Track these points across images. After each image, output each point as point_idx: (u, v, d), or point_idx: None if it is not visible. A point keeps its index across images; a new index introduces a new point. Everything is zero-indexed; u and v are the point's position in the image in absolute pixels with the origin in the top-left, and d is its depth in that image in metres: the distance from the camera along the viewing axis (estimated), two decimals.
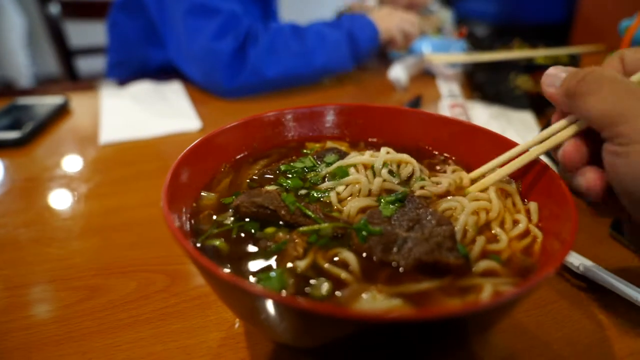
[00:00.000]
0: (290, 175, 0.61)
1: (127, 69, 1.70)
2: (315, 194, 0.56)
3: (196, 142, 0.57)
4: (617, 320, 0.59)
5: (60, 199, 0.87)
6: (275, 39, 1.36)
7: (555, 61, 1.21)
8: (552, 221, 0.52)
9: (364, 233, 0.47)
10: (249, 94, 1.41)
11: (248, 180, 0.60)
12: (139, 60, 1.67)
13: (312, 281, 0.43)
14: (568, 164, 0.51)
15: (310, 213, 0.50)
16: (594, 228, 0.77)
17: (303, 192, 0.57)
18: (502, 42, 1.34)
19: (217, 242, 0.48)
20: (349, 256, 0.46)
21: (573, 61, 1.22)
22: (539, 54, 1.22)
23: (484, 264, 0.46)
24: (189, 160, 0.54)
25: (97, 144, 1.09)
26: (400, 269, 0.45)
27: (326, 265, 0.45)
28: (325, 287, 0.43)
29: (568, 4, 3.87)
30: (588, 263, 0.64)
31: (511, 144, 0.61)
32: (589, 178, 0.49)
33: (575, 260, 0.65)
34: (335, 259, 0.47)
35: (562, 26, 3.93)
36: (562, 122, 0.53)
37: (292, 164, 0.63)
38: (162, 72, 1.62)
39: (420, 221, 0.50)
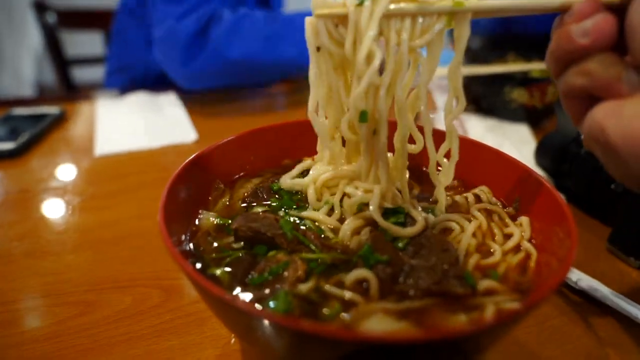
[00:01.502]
0: (278, 196, 0.60)
1: (128, 76, 1.69)
2: (308, 223, 0.55)
3: (190, 158, 0.57)
4: (617, 336, 0.58)
5: (54, 211, 0.86)
6: (241, 20, 1.26)
7: (549, 74, 1.21)
8: (548, 237, 0.52)
9: (370, 261, 0.47)
10: (211, 83, 1.34)
11: (243, 204, 0.59)
12: (141, 66, 1.66)
13: (316, 302, 0.43)
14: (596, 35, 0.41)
15: (307, 242, 0.50)
16: (591, 242, 0.77)
17: (295, 214, 0.56)
18: (497, 55, 1.35)
19: (219, 272, 0.47)
20: (369, 275, 0.45)
21: None
22: (534, 67, 1.23)
23: (485, 284, 0.46)
24: (185, 178, 0.54)
25: (93, 155, 1.08)
26: (408, 296, 0.45)
27: (327, 287, 0.45)
28: (330, 308, 0.42)
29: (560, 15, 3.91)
30: (586, 278, 0.64)
31: (507, 159, 0.62)
32: (596, 21, 0.41)
33: (573, 275, 0.65)
34: (343, 280, 0.46)
35: None
36: None
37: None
38: (164, 79, 1.62)
39: (424, 246, 0.49)
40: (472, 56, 1.32)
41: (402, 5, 0.48)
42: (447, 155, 0.56)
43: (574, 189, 0.87)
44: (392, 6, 0.47)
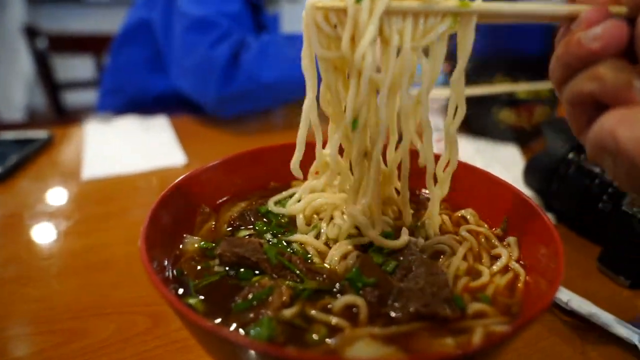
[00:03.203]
0: (266, 220, 0.60)
1: (122, 97, 1.69)
2: (295, 247, 0.54)
3: (174, 183, 0.56)
4: (608, 356, 0.58)
5: (40, 237, 0.85)
6: (267, 44, 1.35)
7: (537, 95, 1.23)
8: (537, 257, 0.52)
9: (358, 284, 0.46)
10: (245, 108, 1.40)
11: (228, 228, 0.59)
12: (137, 88, 1.67)
13: (301, 328, 0.42)
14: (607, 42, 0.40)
15: (292, 267, 0.49)
16: (581, 261, 0.77)
17: (283, 238, 0.56)
18: (485, 77, 1.37)
19: (195, 301, 0.46)
20: (358, 301, 0.45)
21: (553, 96, 1.25)
22: (521, 88, 1.24)
23: (474, 307, 0.46)
24: (169, 202, 0.53)
25: (80, 180, 1.07)
26: (396, 319, 0.44)
27: (313, 312, 0.44)
28: (316, 334, 0.42)
29: (545, 37, 4.00)
30: (577, 298, 0.64)
31: (495, 180, 0.62)
32: (607, 26, 0.40)
33: (564, 295, 0.64)
34: (329, 305, 0.45)
35: (541, 57, 4.04)
36: None
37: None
38: (158, 102, 1.62)
39: (412, 269, 0.49)
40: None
41: (405, 3, 0.46)
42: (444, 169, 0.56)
43: (563, 209, 0.87)
44: (394, 3, 0.45)
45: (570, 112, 0.45)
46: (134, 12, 1.67)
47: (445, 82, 1.47)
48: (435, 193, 0.57)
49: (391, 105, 0.51)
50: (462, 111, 0.52)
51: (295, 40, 1.37)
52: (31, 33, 2.14)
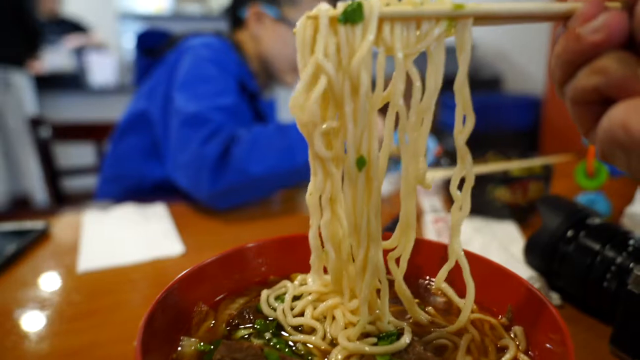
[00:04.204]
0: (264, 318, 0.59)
1: (121, 185, 1.72)
2: (299, 346, 0.53)
3: (170, 284, 0.55)
4: None
5: (30, 335, 0.82)
6: (258, 136, 1.37)
7: (530, 172, 1.25)
8: (545, 347, 0.50)
9: None
10: (238, 201, 1.40)
11: (227, 327, 0.57)
12: (136, 176, 1.70)
13: None
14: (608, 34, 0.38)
15: None
16: (592, 343, 0.74)
17: (286, 337, 0.54)
18: (478, 155, 1.40)
19: None
20: None
21: (546, 171, 1.27)
22: (514, 165, 1.27)
23: None
24: (165, 304, 0.52)
25: (75, 273, 1.05)
26: None
27: None
28: None
29: (535, 114, 4.17)
30: None
31: (496, 267, 0.61)
32: (608, 17, 0.39)
33: None
34: None
35: (531, 133, 4.19)
36: None
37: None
38: (157, 189, 1.64)
39: None
40: (453, 157, 1.36)
41: (397, 7, 0.45)
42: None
43: (567, 288, 0.85)
44: (385, 9, 0.44)
45: (574, 112, 0.44)
46: (135, 102, 1.74)
47: (437, 163, 1.50)
48: (456, 216, 0.54)
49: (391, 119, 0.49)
50: (471, 119, 0.49)
51: (285, 130, 1.41)
52: (35, 123, 2.21)
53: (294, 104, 0.47)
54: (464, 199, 0.54)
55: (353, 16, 0.44)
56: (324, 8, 0.46)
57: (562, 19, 0.44)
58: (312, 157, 0.51)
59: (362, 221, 0.51)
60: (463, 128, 0.50)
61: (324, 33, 0.46)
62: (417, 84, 0.48)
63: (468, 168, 0.52)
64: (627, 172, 0.41)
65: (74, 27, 5.37)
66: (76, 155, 2.84)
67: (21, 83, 4.22)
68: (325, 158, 0.50)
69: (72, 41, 5.41)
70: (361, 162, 0.49)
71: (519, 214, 1.23)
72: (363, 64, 0.45)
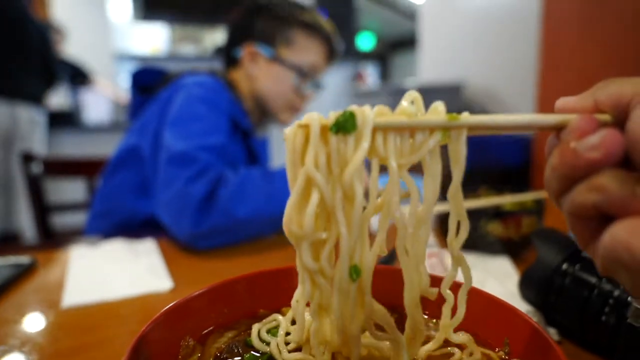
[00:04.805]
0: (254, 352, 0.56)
1: (111, 220, 1.69)
2: None
3: (155, 317, 0.53)
4: None
5: None
6: (244, 180, 1.37)
7: (522, 207, 1.25)
8: None
9: None
10: (219, 242, 1.38)
11: None
12: (126, 211, 1.68)
13: None
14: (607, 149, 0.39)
15: None
16: None
17: None
18: (470, 190, 1.40)
19: None
20: None
21: (539, 205, 1.27)
22: (506, 200, 1.27)
23: None
24: (150, 338, 0.50)
25: (60, 308, 1.02)
26: None
27: None
28: None
29: (524, 151, 4.23)
30: None
31: (492, 299, 0.60)
32: (605, 135, 0.39)
33: None
34: None
35: (522, 168, 4.24)
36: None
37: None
38: (146, 225, 1.62)
39: None
40: (445, 192, 1.36)
41: (392, 118, 0.44)
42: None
43: (565, 323, 0.83)
44: (378, 120, 0.44)
45: (572, 224, 0.44)
46: (127, 138, 1.74)
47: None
48: (446, 322, 0.53)
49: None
50: (465, 225, 0.49)
51: (273, 176, 1.42)
52: (27, 158, 2.20)
53: (288, 220, 0.46)
54: (462, 296, 0.54)
55: (345, 126, 0.44)
56: (314, 117, 0.45)
57: (554, 130, 0.45)
58: (300, 267, 0.50)
59: (356, 334, 0.49)
60: (457, 237, 0.50)
61: (314, 142, 0.45)
62: (415, 196, 0.48)
63: (466, 274, 0.52)
64: (630, 290, 0.41)
65: (72, 68, 5.43)
66: (67, 191, 2.82)
67: (40, 119, 4.26)
68: (313, 270, 0.48)
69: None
70: (355, 272, 0.47)
71: (513, 249, 1.22)
72: (356, 175, 0.44)
